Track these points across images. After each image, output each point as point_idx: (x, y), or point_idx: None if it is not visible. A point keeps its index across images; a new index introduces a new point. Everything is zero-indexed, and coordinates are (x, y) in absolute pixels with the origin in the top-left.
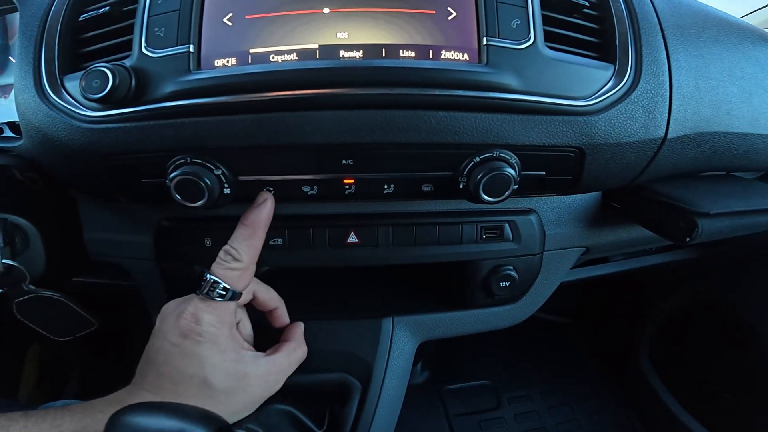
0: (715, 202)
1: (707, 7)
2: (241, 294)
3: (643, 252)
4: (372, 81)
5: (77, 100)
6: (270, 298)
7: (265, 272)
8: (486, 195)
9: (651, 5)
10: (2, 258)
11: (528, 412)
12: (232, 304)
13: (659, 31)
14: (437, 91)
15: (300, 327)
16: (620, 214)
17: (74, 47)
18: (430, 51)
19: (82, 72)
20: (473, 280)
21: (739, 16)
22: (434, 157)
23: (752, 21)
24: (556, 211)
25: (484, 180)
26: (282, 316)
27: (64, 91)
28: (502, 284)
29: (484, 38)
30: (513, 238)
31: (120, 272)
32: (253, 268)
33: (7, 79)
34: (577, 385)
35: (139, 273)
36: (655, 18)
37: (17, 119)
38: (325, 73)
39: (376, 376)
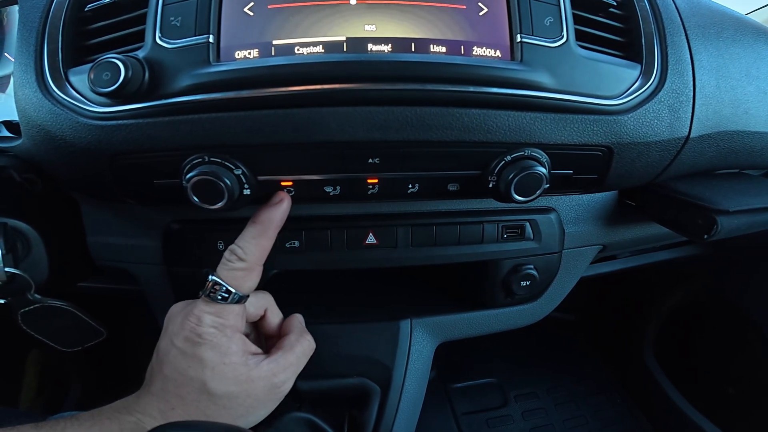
0: (733, 200)
1: (723, 7)
2: (246, 297)
3: (650, 249)
4: (403, 76)
5: (83, 95)
6: (276, 324)
7: (274, 275)
8: (517, 194)
9: (674, 5)
10: (4, 266)
11: (535, 410)
12: (236, 307)
13: (682, 30)
14: (471, 88)
15: (297, 318)
16: (636, 211)
17: (79, 39)
18: (462, 47)
19: (89, 65)
20: (493, 280)
21: (744, 14)
22: (463, 156)
23: (756, 18)
24: (575, 210)
25: (515, 179)
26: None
27: (68, 85)
28: (523, 283)
29: (518, 35)
30: (534, 237)
31: (124, 276)
32: (260, 269)
33: (2, 71)
34: (583, 381)
35: (146, 278)
36: (678, 18)
37: (14, 118)
38: (354, 67)
39: (395, 379)
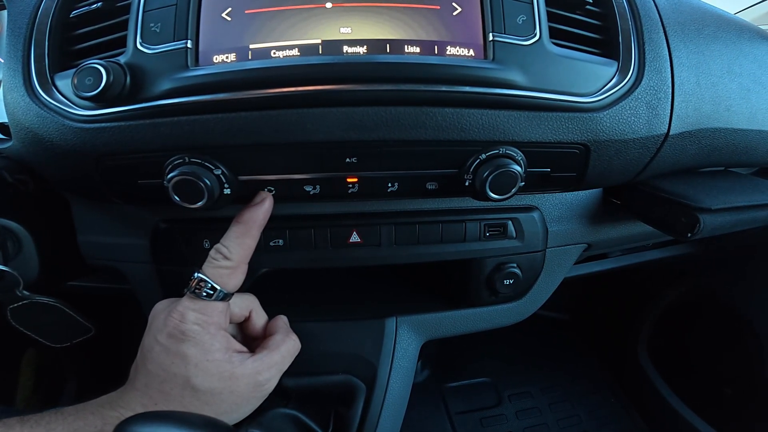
0: (716, 198)
1: (705, 4)
2: (231, 295)
3: (641, 248)
4: (377, 77)
5: (69, 99)
6: (261, 325)
7: (263, 274)
8: (492, 192)
9: (653, 2)
10: None
11: (528, 409)
12: (220, 304)
13: (661, 27)
14: (444, 88)
15: (282, 319)
16: (621, 210)
17: (65, 44)
18: (435, 47)
19: (74, 70)
20: (477, 278)
21: (733, 13)
22: (439, 155)
23: (746, 17)
24: (559, 208)
25: (490, 177)
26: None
27: (55, 89)
28: (506, 282)
29: (490, 34)
30: (516, 236)
31: (115, 275)
32: (244, 268)
33: None
34: (577, 380)
35: (135, 276)
36: (657, 14)
37: (5, 120)
38: (328, 69)
39: (380, 376)
